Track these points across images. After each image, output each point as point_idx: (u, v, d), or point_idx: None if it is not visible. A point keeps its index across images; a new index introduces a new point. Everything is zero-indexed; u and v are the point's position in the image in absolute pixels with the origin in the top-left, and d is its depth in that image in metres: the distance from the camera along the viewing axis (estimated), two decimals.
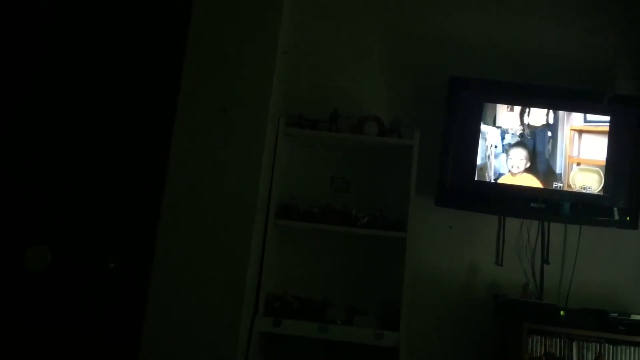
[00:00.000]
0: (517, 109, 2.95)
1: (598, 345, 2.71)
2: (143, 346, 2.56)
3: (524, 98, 2.97)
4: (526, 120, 2.95)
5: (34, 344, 2.61)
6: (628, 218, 2.90)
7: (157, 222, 2.63)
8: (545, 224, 3.06)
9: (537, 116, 2.95)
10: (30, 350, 2.60)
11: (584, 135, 2.94)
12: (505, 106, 2.96)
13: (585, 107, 2.96)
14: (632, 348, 2.70)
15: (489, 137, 2.94)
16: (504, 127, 2.94)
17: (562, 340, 2.71)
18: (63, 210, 2.72)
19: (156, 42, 2.83)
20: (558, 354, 2.70)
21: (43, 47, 2.85)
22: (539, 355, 2.69)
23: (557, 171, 2.92)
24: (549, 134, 2.94)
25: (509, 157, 2.93)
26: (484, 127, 2.95)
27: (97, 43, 2.85)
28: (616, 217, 2.92)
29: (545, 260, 3.04)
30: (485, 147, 2.94)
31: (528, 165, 2.93)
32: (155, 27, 2.84)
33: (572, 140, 2.93)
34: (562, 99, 2.97)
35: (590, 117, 2.95)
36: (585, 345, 2.71)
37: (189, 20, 2.74)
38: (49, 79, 2.83)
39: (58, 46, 2.85)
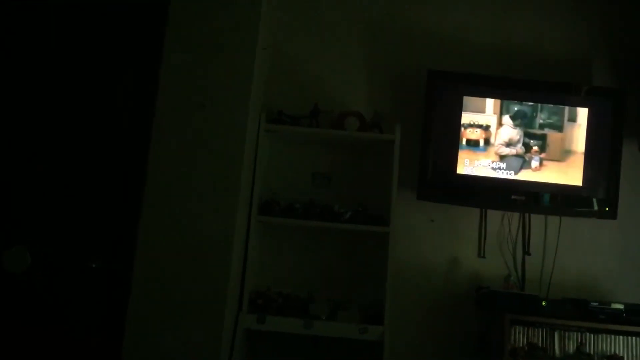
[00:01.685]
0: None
1: (579, 334, 2.75)
2: (126, 345, 2.54)
3: (503, 91, 2.99)
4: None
5: (15, 346, 2.58)
6: (607, 208, 2.94)
7: (139, 219, 2.61)
8: (526, 215, 3.09)
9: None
10: (11, 352, 2.57)
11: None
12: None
13: (563, 99, 2.99)
14: (613, 336, 2.75)
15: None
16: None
17: (544, 330, 2.75)
18: (43, 209, 2.69)
19: (133, 38, 2.81)
20: (540, 344, 2.74)
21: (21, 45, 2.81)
22: (521, 345, 2.72)
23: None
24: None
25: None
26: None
27: (71, 39, 2.82)
28: (595, 207, 2.95)
29: (526, 252, 3.07)
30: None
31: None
32: (133, 24, 2.81)
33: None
34: (540, 92, 3.00)
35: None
36: (566, 335, 2.75)
37: (167, 16, 2.72)
38: (28, 77, 2.79)
39: (34, 44, 2.82)
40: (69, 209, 2.70)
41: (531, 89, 3.01)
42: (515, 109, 2.98)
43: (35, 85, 2.80)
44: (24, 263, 2.55)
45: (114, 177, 2.73)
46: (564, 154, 2.96)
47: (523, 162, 2.95)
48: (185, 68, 2.70)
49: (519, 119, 2.97)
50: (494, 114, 2.98)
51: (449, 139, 2.98)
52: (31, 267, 2.56)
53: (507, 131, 2.97)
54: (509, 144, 2.96)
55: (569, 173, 2.94)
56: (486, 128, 2.98)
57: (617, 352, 2.73)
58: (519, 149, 2.96)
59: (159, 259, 2.60)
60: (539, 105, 2.97)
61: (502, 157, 2.95)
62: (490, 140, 2.97)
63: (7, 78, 2.79)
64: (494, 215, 3.10)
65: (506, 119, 2.98)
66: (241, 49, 2.74)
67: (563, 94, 3.00)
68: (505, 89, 3.00)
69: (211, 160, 2.67)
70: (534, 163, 2.95)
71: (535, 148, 2.96)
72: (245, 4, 2.77)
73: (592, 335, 2.75)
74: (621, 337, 2.74)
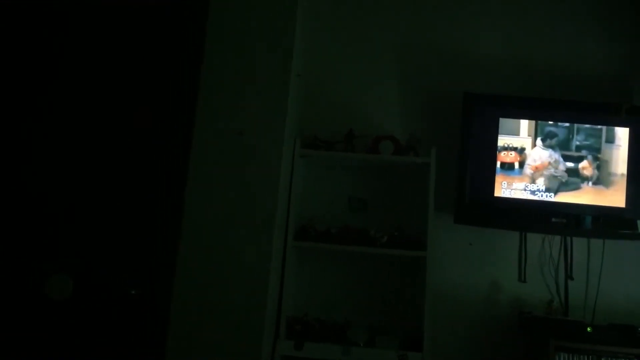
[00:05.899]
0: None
1: None
2: None
3: (541, 112, 2.95)
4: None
5: None
6: None
7: (177, 247, 2.64)
8: (568, 238, 3.01)
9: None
10: None
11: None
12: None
13: (603, 119, 2.93)
14: None
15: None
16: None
17: (590, 357, 2.65)
18: (83, 237, 2.74)
19: (171, 68, 2.86)
20: None
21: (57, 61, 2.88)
22: None
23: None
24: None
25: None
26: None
27: (115, 68, 2.88)
28: None
29: (569, 276, 2.99)
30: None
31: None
32: (170, 52, 2.87)
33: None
34: (579, 112, 2.95)
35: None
36: None
37: (204, 46, 2.77)
38: (67, 101, 2.85)
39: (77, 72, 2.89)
40: (109, 237, 2.74)
41: (569, 109, 2.96)
42: (547, 130, 2.93)
43: (73, 115, 2.86)
44: (66, 291, 2.59)
45: (153, 204, 2.76)
46: (603, 176, 2.89)
47: (559, 184, 2.90)
48: (221, 96, 2.74)
49: (549, 140, 2.92)
50: (529, 136, 2.94)
51: (486, 161, 2.94)
52: (73, 294, 2.60)
53: (538, 152, 2.92)
54: (540, 166, 2.91)
55: (610, 195, 2.87)
56: (521, 151, 2.94)
57: None
58: (553, 171, 2.90)
59: (197, 286, 2.61)
60: (575, 126, 2.92)
61: (537, 179, 2.90)
62: (524, 164, 2.92)
63: (50, 105, 2.87)
64: (534, 239, 3.04)
65: (538, 140, 2.93)
66: (276, 76, 2.76)
67: (602, 114, 2.94)
68: (542, 109, 2.96)
69: (248, 185, 2.68)
70: (572, 186, 2.89)
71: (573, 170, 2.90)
72: (279, 32, 2.80)
73: None
74: None
